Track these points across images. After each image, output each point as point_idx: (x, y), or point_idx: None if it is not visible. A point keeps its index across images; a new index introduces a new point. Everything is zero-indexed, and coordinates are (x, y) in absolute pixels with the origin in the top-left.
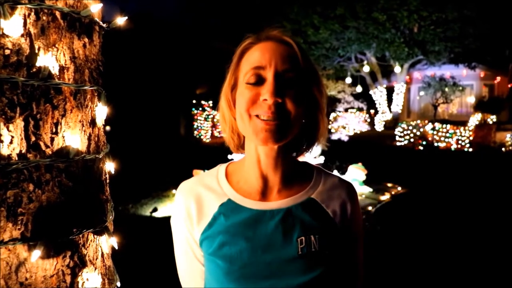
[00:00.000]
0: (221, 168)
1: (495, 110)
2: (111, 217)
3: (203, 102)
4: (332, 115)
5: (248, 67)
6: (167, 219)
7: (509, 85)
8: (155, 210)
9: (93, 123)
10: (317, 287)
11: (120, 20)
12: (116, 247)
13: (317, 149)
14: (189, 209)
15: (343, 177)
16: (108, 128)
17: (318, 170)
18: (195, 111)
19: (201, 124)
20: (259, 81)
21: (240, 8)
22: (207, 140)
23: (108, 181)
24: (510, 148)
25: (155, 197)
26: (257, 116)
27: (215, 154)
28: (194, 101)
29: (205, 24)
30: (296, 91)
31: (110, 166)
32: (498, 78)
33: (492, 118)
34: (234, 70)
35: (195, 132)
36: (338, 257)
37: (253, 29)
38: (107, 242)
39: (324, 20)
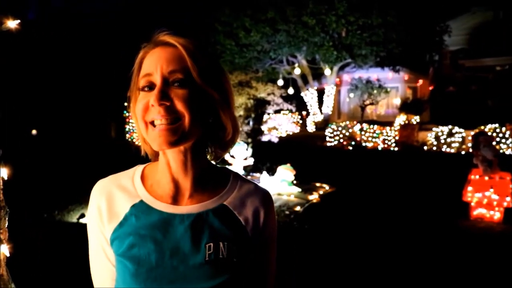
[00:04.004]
0: (138, 169)
1: (417, 111)
2: (6, 224)
3: None
4: (265, 117)
5: (141, 76)
6: None
7: (430, 88)
8: (82, 216)
9: None
10: None
11: (12, 24)
12: (8, 255)
13: (247, 152)
14: (100, 207)
15: (272, 178)
16: (34, 132)
17: (235, 176)
18: (127, 114)
19: (133, 127)
20: (151, 87)
21: (174, 9)
22: (139, 143)
23: (1, 187)
24: (431, 146)
25: (83, 203)
26: (151, 122)
27: (146, 157)
28: (126, 104)
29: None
30: (187, 90)
31: (3, 173)
32: (420, 81)
33: (415, 119)
34: (136, 80)
35: (127, 135)
36: (246, 264)
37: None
38: None
39: (255, 23)
